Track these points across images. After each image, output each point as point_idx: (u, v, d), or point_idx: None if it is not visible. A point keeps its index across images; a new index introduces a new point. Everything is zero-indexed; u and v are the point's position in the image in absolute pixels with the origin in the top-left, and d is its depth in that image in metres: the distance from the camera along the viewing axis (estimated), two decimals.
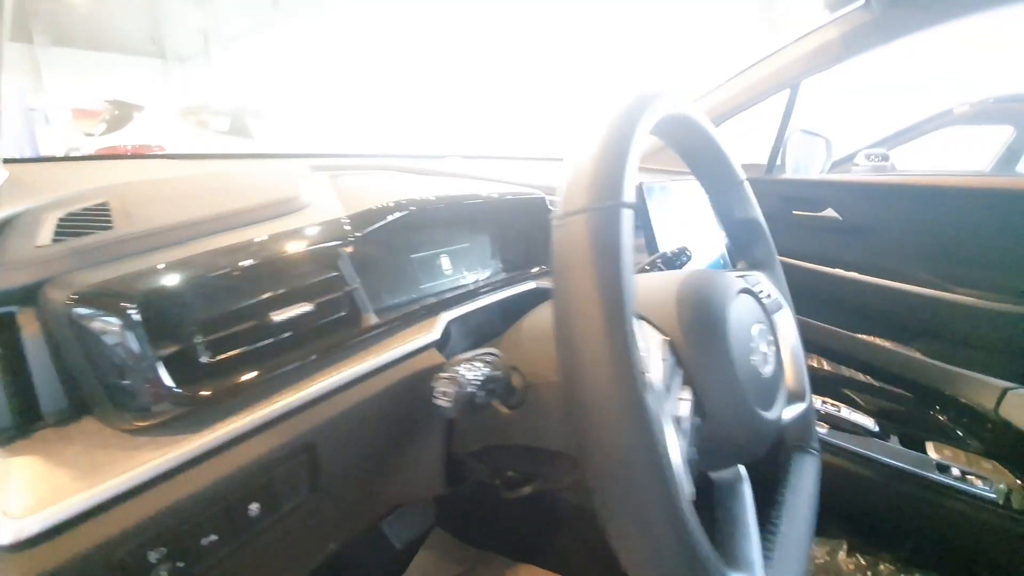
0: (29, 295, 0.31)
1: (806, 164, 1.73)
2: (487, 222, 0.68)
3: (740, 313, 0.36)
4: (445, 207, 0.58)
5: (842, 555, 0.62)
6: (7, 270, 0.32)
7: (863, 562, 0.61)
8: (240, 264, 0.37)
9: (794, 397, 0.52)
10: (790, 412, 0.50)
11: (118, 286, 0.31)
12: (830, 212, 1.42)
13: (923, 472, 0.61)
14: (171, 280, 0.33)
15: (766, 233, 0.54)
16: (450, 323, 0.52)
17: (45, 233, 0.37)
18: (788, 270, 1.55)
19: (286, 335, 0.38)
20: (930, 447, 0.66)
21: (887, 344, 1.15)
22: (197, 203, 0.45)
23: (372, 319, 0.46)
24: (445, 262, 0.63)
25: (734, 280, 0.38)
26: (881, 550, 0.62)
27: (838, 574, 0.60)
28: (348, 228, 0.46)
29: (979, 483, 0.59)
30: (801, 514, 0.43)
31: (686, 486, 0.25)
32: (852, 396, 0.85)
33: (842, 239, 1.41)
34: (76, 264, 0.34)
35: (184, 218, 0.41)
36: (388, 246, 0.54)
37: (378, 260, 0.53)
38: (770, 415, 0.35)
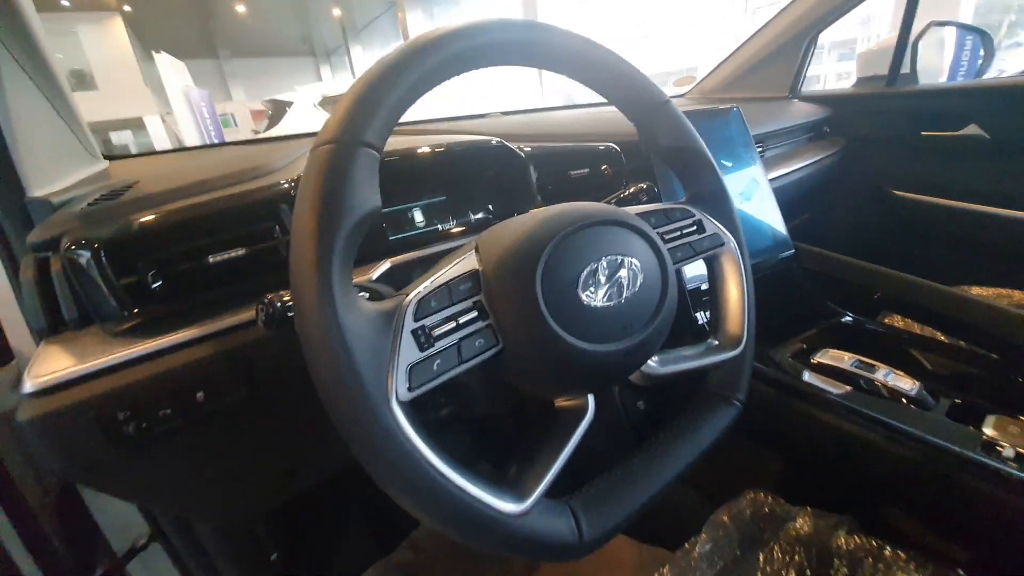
0: (55, 244, 0.45)
1: (951, 69, 1.34)
2: (464, 174, 0.69)
3: (579, 245, 0.33)
4: (399, 160, 0.61)
5: (842, 532, 0.53)
6: (46, 228, 0.47)
7: (868, 544, 0.51)
8: (184, 219, 0.46)
9: (729, 344, 0.45)
10: (708, 357, 0.44)
11: (91, 236, 0.43)
12: (974, 129, 1.10)
13: (957, 448, 0.48)
14: (131, 232, 0.45)
15: (703, 159, 0.46)
16: (394, 266, 0.56)
17: (80, 206, 0.51)
18: (912, 209, 1.26)
19: (226, 273, 0.47)
20: (989, 421, 0.51)
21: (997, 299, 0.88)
22: (185, 177, 0.56)
23: None
24: (417, 215, 0.66)
25: (591, 212, 0.35)
26: (895, 534, 0.51)
27: (825, 551, 0.52)
28: (288, 187, 0.53)
29: None
30: (670, 455, 0.39)
31: (397, 388, 0.27)
32: (918, 357, 0.68)
33: (990, 165, 1.09)
34: (83, 224, 0.46)
35: (165, 188, 0.52)
36: None
37: None
38: (599, 347, 0.32)
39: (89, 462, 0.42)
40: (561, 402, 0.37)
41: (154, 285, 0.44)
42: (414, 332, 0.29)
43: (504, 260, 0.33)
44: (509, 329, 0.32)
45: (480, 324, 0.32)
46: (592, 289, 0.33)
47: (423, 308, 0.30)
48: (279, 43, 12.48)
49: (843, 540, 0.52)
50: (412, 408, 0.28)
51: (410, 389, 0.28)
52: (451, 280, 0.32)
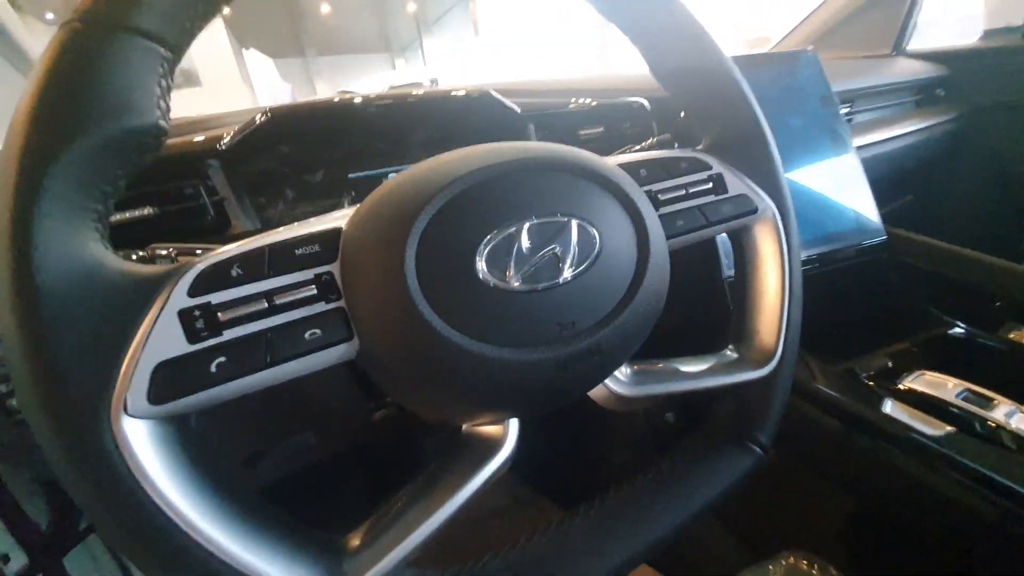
0: None
1: None
2: (449, 134, 0.59)
3: (496, 197, 0.22)
4: (367, 113, 0.52)
5: None
6: None
7: None
8: None
9: (754, 359, 0.30)
10: (719, 376, 0.29)
11: None
12: None
13: None
14: None
15: (730, 87, 0.31)
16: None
17: None
18: None
19: (137, 234, 0.41)
20: None
21: None
22: None
23: (243, 226, 0.46)
24: None
25: (524, 151, 0.23)
26: None
27: None
28: (223, 142, 0.46)
29: None
30: (627, 525, 0.25)
31: (128, 396, 0.17)
32: None
33: None
34: None
35: None
36: (303, 163, 0.52)
37: (283, 177, 0.51)
38: (509, 353, 0.21)
39: None
40: (471, 427, 0.25)
41: None
42: (184, 313, 0.19)
43: (369, 214, 0.22)
44: (364, 316, 0.21)
45: (322, 307, 0.21)
46: (506, 263, 0.21)
47: (213, 279, 0.19)
48: (359, 40, 13.13)
49: None
50: (177, 428, 0.19)
51: (156, 400, 0.18)
52: (279, 242, 0.21)
